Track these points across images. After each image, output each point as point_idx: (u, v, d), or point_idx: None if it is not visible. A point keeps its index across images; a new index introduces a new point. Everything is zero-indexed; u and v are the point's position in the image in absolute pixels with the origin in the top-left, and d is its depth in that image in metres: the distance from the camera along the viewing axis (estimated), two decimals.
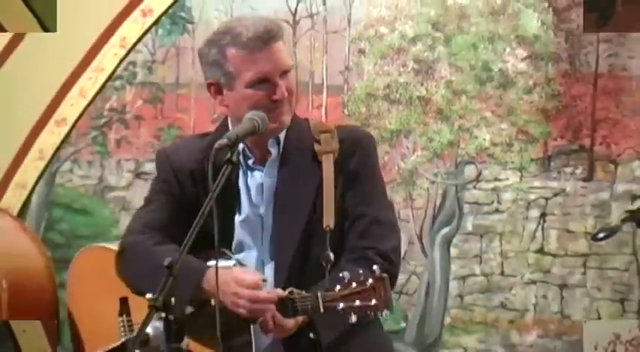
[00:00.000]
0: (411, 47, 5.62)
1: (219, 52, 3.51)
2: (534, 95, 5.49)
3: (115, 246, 3.84)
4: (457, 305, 5.62)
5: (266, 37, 3.47)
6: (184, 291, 3.46)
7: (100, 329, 4.08)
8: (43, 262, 4.33)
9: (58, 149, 5.75)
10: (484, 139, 5.55)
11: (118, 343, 3.74)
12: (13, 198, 5.66)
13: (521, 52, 5.57)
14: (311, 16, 5.74)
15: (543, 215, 5.52)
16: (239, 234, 3.65)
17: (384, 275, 3.31)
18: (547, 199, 5.55)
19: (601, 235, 3.74)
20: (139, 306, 3.67)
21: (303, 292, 3.44)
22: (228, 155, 3.35)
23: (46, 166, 5.76)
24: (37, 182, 5.75)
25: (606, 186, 5.44)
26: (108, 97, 5.84)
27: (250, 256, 3.64)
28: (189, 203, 3.60)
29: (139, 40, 5.68)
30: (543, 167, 5.54)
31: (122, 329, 3.91)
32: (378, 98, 5.69)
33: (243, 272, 3.54)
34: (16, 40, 5.62)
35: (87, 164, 5.92)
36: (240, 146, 3.55)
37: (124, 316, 3.88)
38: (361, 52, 5.72)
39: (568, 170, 5.50)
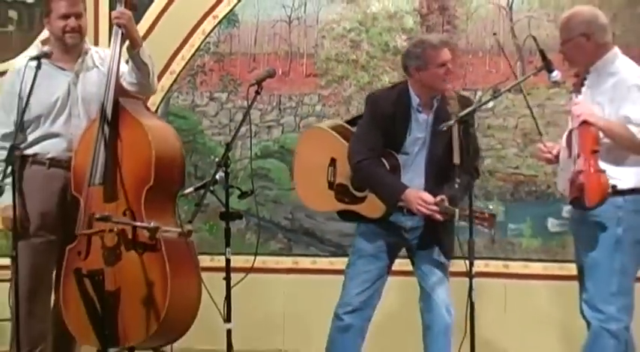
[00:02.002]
0: (348, 34, 6.68)
1: (422, 51, 4.55)
2: None
3: (326, 127, 4.80)
4: None
5: (444, 43, 4.58)
6: (390, 200, 4.51)
7: (310, 176, 4.89)
8: (178, 142, 4.96)
9: (171, 86, 6.88)
10: (386, 80, 6.52)
11: (202, 183, 4.53)
12: None
13: (404, 37, 6.55)
14: (298, 18, 6.72)
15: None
16: (405, 146, 4.56)
17: (495, 213, 4.34)
18: None
19: (438, 129, 4.40)
20: (342, 165, 4.76)
21: (447, 204, 4.34)
22: (257, 88, 4.55)
23: (165, 94, 6.88)
24: (160, 102, 6.85)
25: None
26: (196, 59, 6.89)
27: (409, 158, 4.58)
28: (386, 130, 4.56)
29: (212, 30, 6.82)
30: None
31: (329, 173, 4.73)
32: (332, 60, 6.74)
33: (426, 195, 4.40)
34: (151, 29, 6.71)
35: (185, 93, 6.93)
36: (417, 100, 4.51)
37: (331, 168, 4.74)
38: (323, 37, 6.74)
39: None
